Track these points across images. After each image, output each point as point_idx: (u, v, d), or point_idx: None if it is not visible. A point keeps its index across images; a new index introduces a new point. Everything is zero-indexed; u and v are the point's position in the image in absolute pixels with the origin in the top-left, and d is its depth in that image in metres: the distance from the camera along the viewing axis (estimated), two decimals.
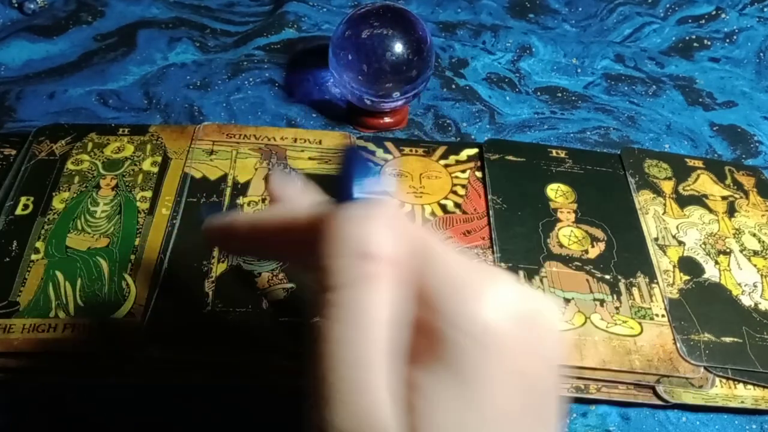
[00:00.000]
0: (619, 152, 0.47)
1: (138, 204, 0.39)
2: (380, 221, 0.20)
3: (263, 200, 0.40)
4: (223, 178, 0.41)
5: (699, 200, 0.44)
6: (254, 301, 0.35)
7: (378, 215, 0.20)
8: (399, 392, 0.18)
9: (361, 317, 0.18)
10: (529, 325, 0.19)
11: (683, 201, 0.44)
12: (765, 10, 0.63)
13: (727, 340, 0.36)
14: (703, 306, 0.38)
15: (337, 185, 0.20)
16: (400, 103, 0.45)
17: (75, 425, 0.32)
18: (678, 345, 0.35)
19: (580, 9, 0.63)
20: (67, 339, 0.32)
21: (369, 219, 0.19)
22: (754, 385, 0.35)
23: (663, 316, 0.37)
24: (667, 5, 0.63)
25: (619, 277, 0.39)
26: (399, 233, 0.20)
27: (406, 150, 0.45)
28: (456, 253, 0.20)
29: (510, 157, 0.45)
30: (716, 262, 0.40)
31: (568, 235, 0.41)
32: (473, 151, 0.46)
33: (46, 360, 0.32)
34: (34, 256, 0.35)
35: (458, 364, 0.18)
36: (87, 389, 0.33)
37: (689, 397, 0.34)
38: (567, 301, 0.37)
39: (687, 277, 0.39)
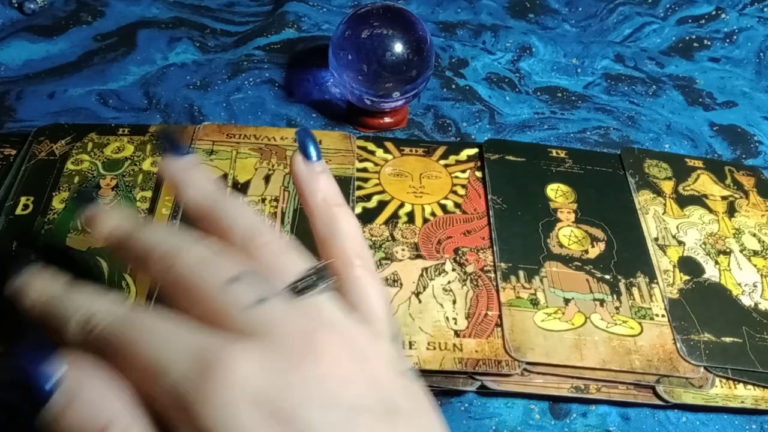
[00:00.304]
0: (619, 152, 0.47)
1: (138, 204, 0.39)
2: (83, 393, 0.19)
3: (263, 200, 0.40)
4: (223, 178, 0.41)
5: (699, 200, 0.44)
6: None
7: (74, 394, 0.19)
8: None
9: None
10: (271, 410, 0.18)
11: (683, 201, 0.44)
12: (765, 10, 0.63)
13: (727, 340, 0.36)
14: (703, 306, 0.38)
15: (23, 396, 0.19)
16: (400, 103, 0.45)
17: None
18: (678, 345, 0.35)
19: (580, 9, 0.63)
20: None
21: (69, 409, 0.19)
22: (754, 385, 0.35)
23: (663, 316, 0.37)
24: (667, 5, 0.63)
25: (619, 277, 0.39)
26: (107, 385, 0.19)
27: (406, 150, 0.45)
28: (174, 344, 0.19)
29: (510, 157, 0.45)
30: (716, 262, 0.40)
31: (568, 235, 0.41)
32: (473, 151, 0.46)
33: None
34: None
35: None
36: None
37: (689, 397, 0.34)
38: (567, 301, 0.37)
39: (687, 277, 0.39)
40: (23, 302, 0.23)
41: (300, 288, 0.22)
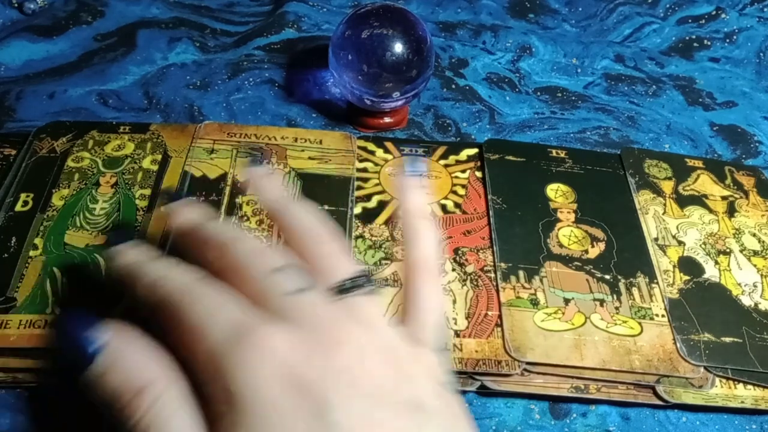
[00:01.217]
0: (619, 152, 0.47)
1: (137, 202, 0.39)
2: (124, 357, 0.21)
3: None
4: (223, 177, 0.41)
5: (699, 200, 0.44)
6: None
7: (115, 358, 0.21)
8: None
9: None
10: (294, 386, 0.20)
11: (683, 201, 0.44)
12: (765, 10, 0.63)
13: (727, 340, 0.36)
14: (703, 306, 0.38)
15: (63, 356, 0.22)
16: (400, 103, 0.45)
17: (73, 424, 0.32)
18: (678, 345, 0.35)
19: (580, 9, 0.63)
20: None
21: (110, 372, 0.21)
22: (754, 385, 0.35)
23: (663, 316, 0.37)
24: (667, 5, 0.63)
25: (619, 277, 0.38)
26: (148, 352, 0.21)
27: (406, 150, 0.45)
28: (208, 313, 0.21)
29: (510, 157, 0.45)
30: (716, 262, 0.40)
31: (568, 235, 0.41)
32: (473, 151, 0.46)
33: (43, 356, 0.32)
34: (32, 253, 0.35)
35: None
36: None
37: (689, 397, 0.34)
38: (567, 301, 0.37)
39: (687, 277, 0.39)
40: (116, 263, 0.26)
41: (344, 287, 0.24)
